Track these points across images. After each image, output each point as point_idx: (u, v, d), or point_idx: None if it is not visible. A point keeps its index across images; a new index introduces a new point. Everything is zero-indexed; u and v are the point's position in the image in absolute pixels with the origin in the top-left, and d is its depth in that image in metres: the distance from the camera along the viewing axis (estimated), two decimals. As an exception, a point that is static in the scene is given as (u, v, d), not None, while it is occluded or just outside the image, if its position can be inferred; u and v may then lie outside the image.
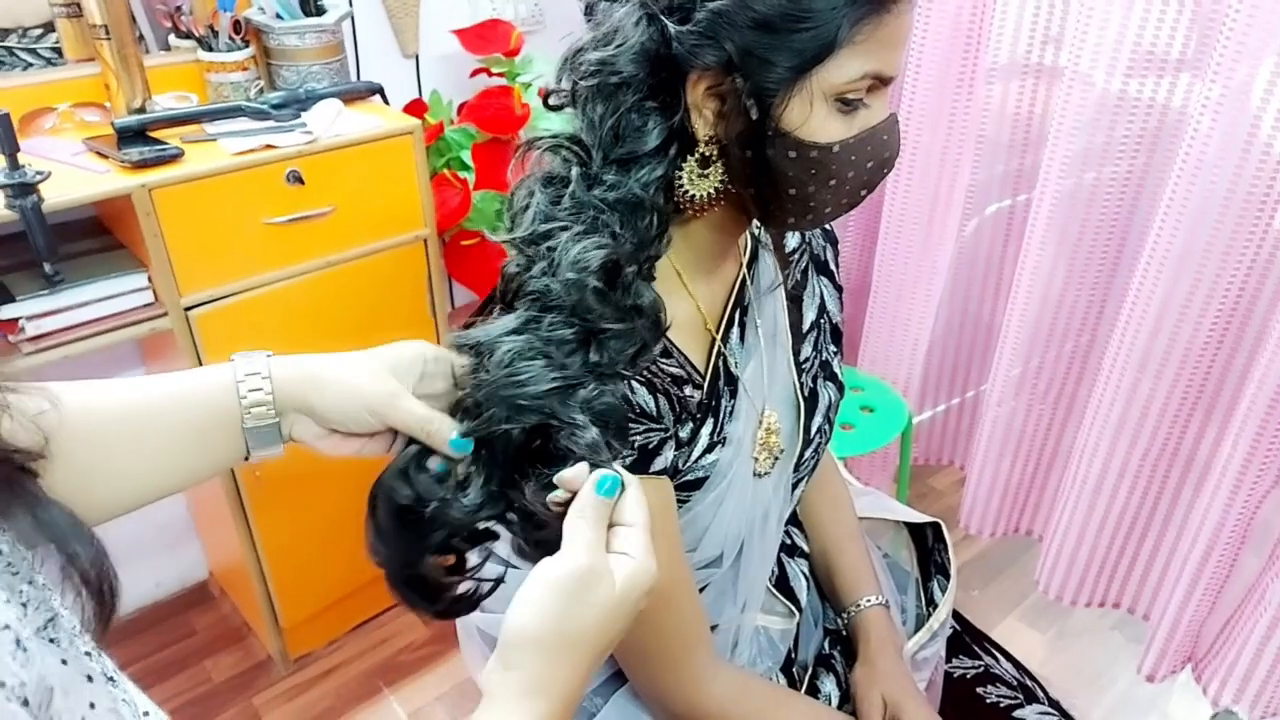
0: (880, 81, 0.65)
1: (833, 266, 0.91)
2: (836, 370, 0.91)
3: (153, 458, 0.60)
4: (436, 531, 0.61)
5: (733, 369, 0.79)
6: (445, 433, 0.62)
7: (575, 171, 0.66)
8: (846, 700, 0.92)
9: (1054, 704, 0.99)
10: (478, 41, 1.77)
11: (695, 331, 0.77)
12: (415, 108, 1.80)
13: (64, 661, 0.42)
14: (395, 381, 0.62)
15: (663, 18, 0.63)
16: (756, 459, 0.81)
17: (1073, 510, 1.62)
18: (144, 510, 0.61)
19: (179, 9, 1.52)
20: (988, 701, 0.99)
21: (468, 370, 0.63)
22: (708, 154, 0.68)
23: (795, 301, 0.87)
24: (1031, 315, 1.60)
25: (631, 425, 0.69)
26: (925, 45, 1.59)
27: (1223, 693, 1.47)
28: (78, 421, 0.56)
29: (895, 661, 0.91)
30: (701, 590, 0.82)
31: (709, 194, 0.69)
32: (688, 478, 0.75)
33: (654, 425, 0.71)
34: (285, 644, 1.72)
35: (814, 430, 0.87)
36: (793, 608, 0.93)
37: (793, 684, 0.93)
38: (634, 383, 0.70)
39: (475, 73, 1.85)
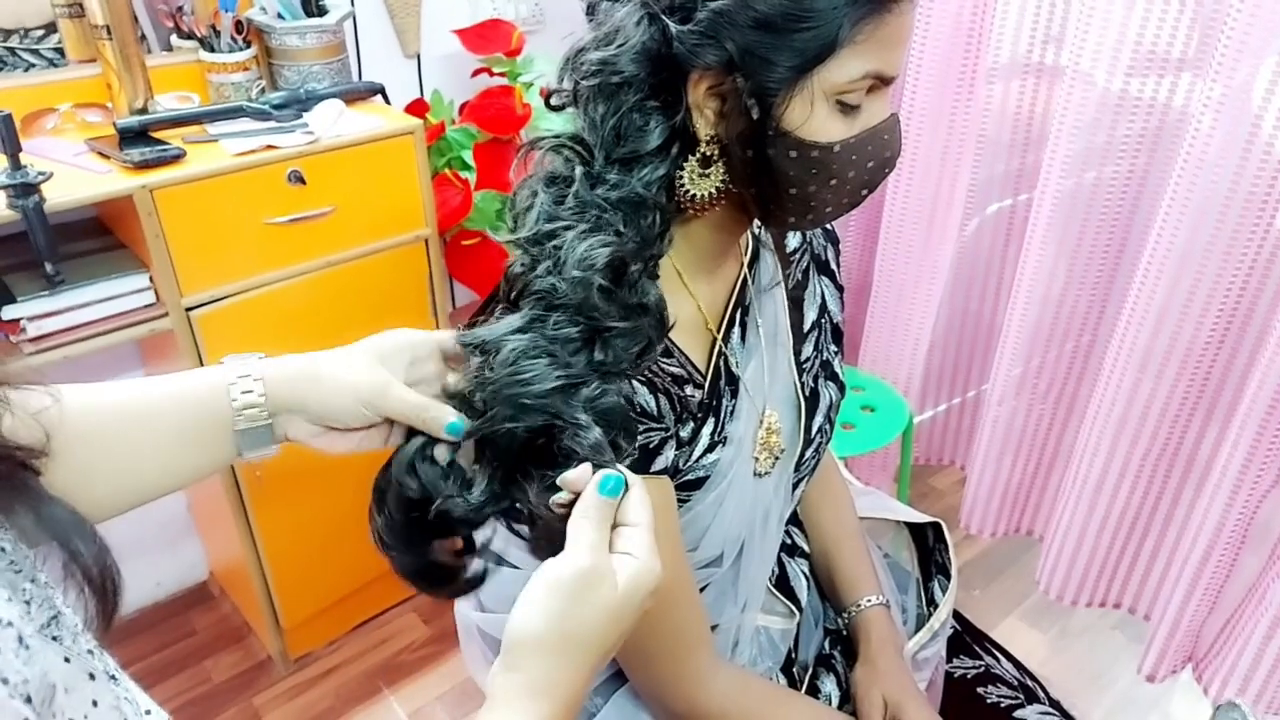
0: (881, 81, 0.65)
1: (834, 266, 0.91)
2: (837, 370, 0.91)
3: (152, 457, 0.60)
4: (442, 526, 0.61)
5: (734, 369, 0.79)
6: (441, 418, 0.62)
7: (579, 171, 0.66)
8: (847, 700, 0.92)
9: (1055, 704, 0.99)
10: (479, 41, 1.77)
11: (696, 331, 0.77)
12: (416, 108, 1.80)
13: (66, 659, 0.42)
14: (385, 371, 0.62)
15: (664, 17, 0.63)
16: (757, 459, 0.81)
17: (1073, 510, 1.61)
18: (144, 510, 0.62)
19: (181, 9, 1.53)
20: (988, 701, 0.99)
21: (473, 369, 0.64)
22: (709, 153, 0.68)
23: (796, 301, 0.87)
24: (1032, 315, 1.60)
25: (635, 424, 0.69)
26: (926, 45, 1.59)
27: (1223, 693, 1.46)
28: (77, 421, 0.56)
29: (896, 661, 0.91)
30: (702, 590, 0.82)
31: (710, 193, 0.69)
32: (688, 477, 0.75)
33: (655, 425, 0.71)
34: (285, 644, 1.72)
35: (815, 430, 0.87)
36: (793, 608, 0.92)
37: (793, 684, 0.93)
38: (635, 382, 0.70)
39: (476, 73, 1.85)
